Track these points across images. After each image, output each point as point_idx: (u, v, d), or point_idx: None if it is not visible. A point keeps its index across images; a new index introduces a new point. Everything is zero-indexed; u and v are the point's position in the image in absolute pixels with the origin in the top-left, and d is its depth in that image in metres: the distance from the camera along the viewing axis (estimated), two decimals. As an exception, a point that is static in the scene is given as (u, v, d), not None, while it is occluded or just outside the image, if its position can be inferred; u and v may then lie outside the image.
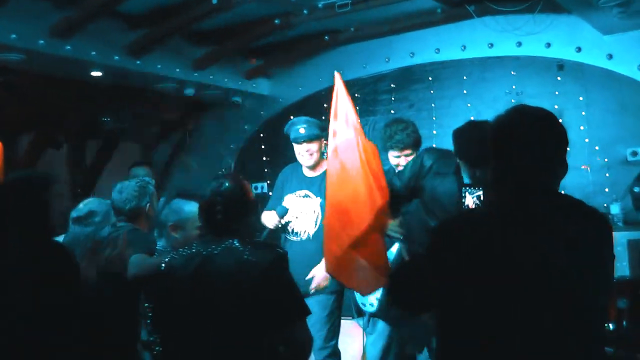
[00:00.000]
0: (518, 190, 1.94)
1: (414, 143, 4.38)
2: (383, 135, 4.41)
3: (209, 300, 2.48)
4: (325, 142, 4.32)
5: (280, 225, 4.44)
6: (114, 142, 8.03)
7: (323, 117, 6.95)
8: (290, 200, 4.55)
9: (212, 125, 8.10)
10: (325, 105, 6.96)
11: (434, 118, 6.40)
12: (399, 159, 4.38)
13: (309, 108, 7.42)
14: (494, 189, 2.02)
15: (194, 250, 2.58)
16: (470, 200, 3.25)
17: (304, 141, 4.45)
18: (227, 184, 2.64)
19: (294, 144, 4.51)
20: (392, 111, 6.84)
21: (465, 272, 1.84)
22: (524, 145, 1.93)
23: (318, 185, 4.41)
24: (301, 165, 4.57)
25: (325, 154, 4.27)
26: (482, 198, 3.23)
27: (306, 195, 4.53)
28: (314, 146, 4.46)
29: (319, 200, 4.44)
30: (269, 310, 2.45)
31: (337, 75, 3.62)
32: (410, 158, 4.23)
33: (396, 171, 4.12)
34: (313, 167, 4.53)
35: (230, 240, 2.56)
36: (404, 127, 4.38)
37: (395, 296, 2.12)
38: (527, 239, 1.84)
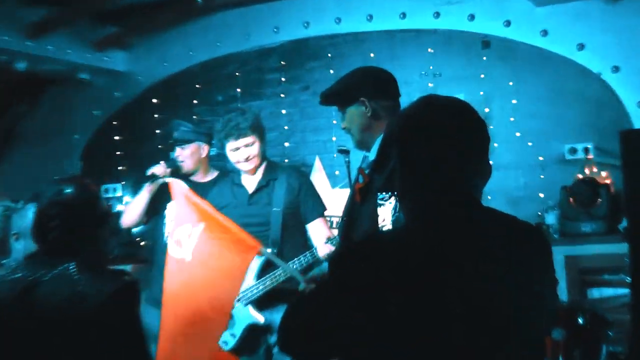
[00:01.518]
0: (431, 204, 1.99)
1: (255, 127, 4.55)
2: (217, 126, 4.65)
3: (32, 341, 2.46)
4: (204, 146, 4.98)
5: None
6: None
7: (195, 101, 6.84)
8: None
9: (50, 111, 7.91)
10: (198, 85, 6.83)
11: (334, 122, 6.27)
12: (238, 153, 4.53)
13: (178, 89, 7.23)
14: (401, 202, 2.08)
15: (18, 275, 2.58)
16: (385, 213, 3.11)
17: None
18: (67, 190, 2.66)
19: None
20: (282, 94, 6.76)
21: (389, 318, 1.87)
22: (435, 145, 1.99)
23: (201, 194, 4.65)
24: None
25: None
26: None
27: None
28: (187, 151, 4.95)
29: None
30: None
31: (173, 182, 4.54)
32: (253, 149, 4.52)
33: (243, 167, 4.56)
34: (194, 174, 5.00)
35: (67, 265, 2.56)
36: (241, 112, 4.62)
37: (289, 344, 2.10)
38: (451, 273, 1.88)
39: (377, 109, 3.32)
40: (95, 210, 2.72)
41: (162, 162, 4.82)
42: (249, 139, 4.50)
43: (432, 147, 1.99)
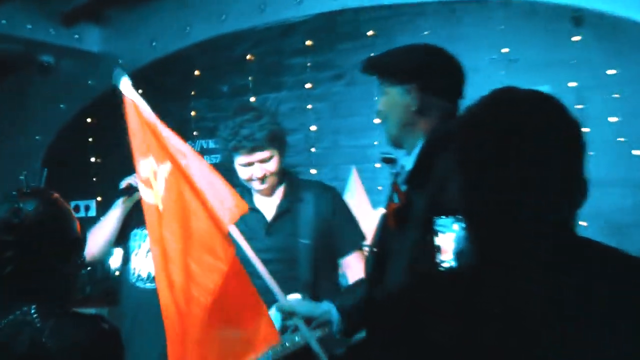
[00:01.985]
0: (511, 237, 1.98)
1: (273, 137, 4.47)
2: (223, 132, 4.54)
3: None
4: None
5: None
6: None
7: (193, 92, 6.87)
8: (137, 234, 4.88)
9: (3, 103, 7.95)
10: (196, 72, 6.86)
11: (376, 98, 6.21)
12: (251, 169, 4.48)
13: (170, 77, 7.23)
14: (468, 231, 2.09)
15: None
16: (446, 243, 3.11)
17: None
18: (27, 209, 2.69)
19: None
20: (308, 84, 6.82)
21: None
22: (512, 156, 1.97)
23: None
24: None
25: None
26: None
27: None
28: None
29: None
30: None
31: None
32: (270, 166, 4.45)
33: (256, 186, 4.48)
34: None
35: (25, 309, 2.59)
36: (256, 115, 4.50)
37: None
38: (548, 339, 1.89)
39: (426, 105, 3.31)
40: (64, 236, 2.74)
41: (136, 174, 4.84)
42: (266, 154, 4.44)
43: (509, 159, 1.97)
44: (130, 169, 5.05)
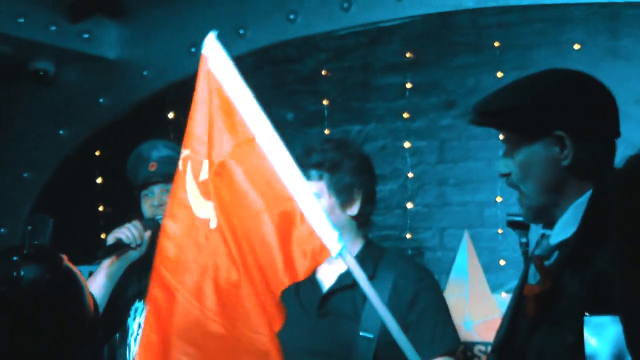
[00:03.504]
0: None
1: (334, 164, 4.61)
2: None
3: None
4: None
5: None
6: None
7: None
8: None
9: None
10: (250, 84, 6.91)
11: (500, 137, 6.16)
12: None
13: None
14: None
15: None
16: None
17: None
18: (28, 278, 2.72)
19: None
20: (406, 114, 6.82)
21: None
22: None
23: None
24: None
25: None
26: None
27: None
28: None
29: None
30: None
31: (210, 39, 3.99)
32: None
33: None
34: None
35: None
36: (335, 144, 4.73)
37: None
38: None
39: (582, 156, 3.21)
40: (75, 317, 2.79)
41: (134, 222, 4.96)
42: (314, 185, 4.51)
43: None
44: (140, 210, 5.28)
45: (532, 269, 3.30)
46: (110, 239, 4.86)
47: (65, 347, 2.79)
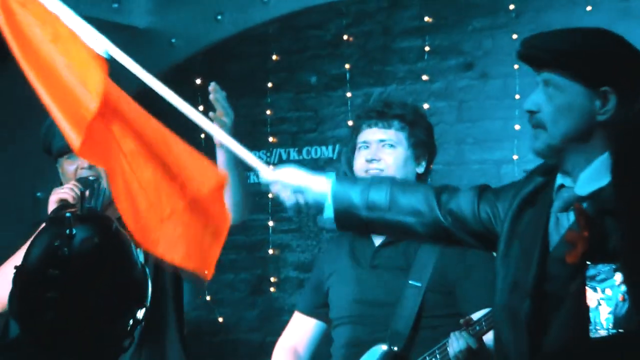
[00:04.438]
0: None
1: (413, 122, 4.67)
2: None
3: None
4: None
5: None
6: None
7: (270, 85, 6.97)
8: None
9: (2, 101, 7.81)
10: (274, 57, 6.95)
11: (516, 97, 6.33)
12: (376, 151, 4.66)
13: (242, 63, 7.27)
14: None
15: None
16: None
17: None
18: (80, 237, 2.72)
19: None
20: (425, 76, 6.90)
21: None
22: None
23: None
24: None
25: None
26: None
27: None
28: None
29: None
30: None
31: None
32: (395, 155, 4.56)
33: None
34: None
35: None
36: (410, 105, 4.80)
37: None
38: None
39: (619, 115, 3.24)
40: (123, 278, 2.78)
41: (72, 183, 4.73)
42: (393, 135, 4.61)
43: None
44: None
45: (553, 218, 3.30)
46: (54, 201, 4.55)
47: (121, 308, 2.77)
